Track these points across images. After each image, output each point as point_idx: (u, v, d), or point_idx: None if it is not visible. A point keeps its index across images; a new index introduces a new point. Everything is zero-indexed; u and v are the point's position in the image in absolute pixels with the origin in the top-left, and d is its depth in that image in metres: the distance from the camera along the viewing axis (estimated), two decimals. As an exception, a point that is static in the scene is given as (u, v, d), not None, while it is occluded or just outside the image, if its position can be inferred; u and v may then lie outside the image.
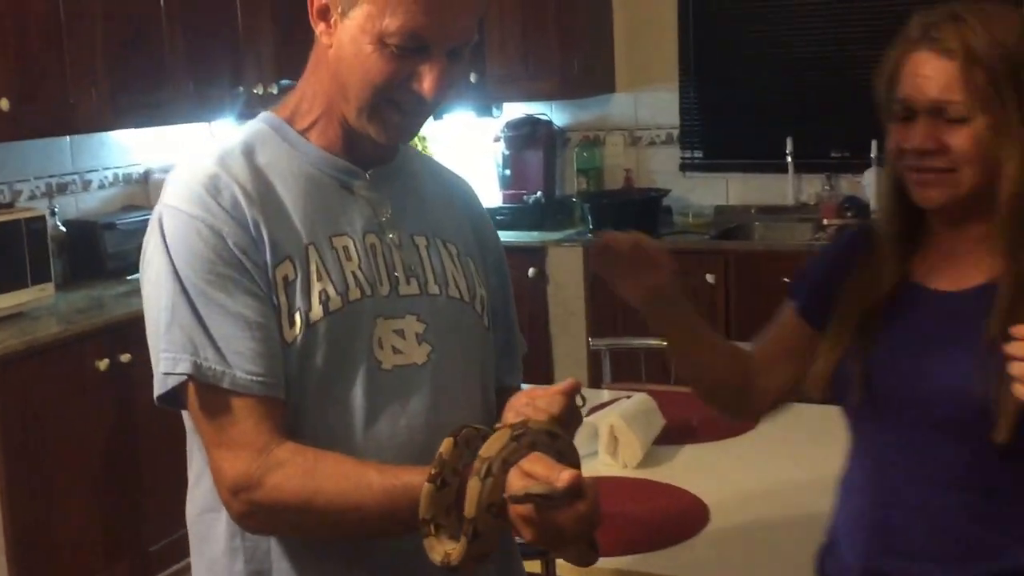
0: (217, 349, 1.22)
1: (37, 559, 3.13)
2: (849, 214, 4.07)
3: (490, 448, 1.12)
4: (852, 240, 1.59)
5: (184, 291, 1.23)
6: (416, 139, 5.27)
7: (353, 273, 1.28)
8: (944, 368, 1.40)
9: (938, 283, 1.46)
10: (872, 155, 4.03)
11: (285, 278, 1.25)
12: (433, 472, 1.14)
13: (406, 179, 1.39)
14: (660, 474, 2.16)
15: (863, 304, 1.48)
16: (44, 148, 3.81)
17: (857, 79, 3.84)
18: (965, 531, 1.40)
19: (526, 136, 4.64)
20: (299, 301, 1.25)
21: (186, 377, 1.22)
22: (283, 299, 1.25)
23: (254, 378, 1.22)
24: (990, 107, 1.36)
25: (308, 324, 1.25)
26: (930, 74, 1.38)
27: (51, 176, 3.88)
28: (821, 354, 1.51)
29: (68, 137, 3.87)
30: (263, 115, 1.36)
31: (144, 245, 1.29)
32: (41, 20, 3.38)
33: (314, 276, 1.26)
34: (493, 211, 4.50)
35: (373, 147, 1.33)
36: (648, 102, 4.62)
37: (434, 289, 1.34)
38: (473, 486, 1.11)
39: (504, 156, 4.71)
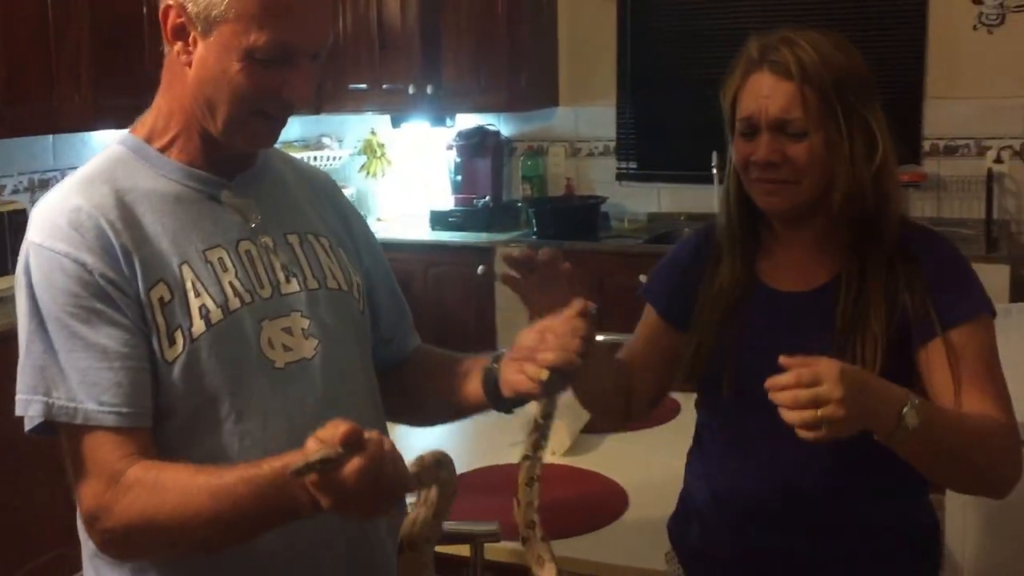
0: (71, 384, 1.13)
1: (3, 534, 3.02)
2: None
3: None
4: (698, 243, 1.59)
5: (42, 328, 1.14)
6: (375, 146, 5.26)
7: (231, 283, 1.21)
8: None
9: (785, 284, 1.49)
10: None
11: (161, 300, 1.17)
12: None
13: (271, 181, 1.32)
14: (586, 461, 2.15)
15: (720, 306, 1.49)
16: (27, 146, 3.70)
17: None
18: (827, 503, 1.44)
19: (476, 145, 4.61)
20: (179, 319, 1.17)
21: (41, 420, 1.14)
22: (161, 320, 1.17)
23: (108, 409, 1.13)
24: (823, 122, 1.39)
25: (192, 340, 1.17)
26: (770, 94, 1.39)
27: (33, 172, 3.77)
28: (687, 355, 1.52)
29: (51, 136, 3.76)
30: (121, 137, 1.27)
31: (14, 282, 1.20)
32: (30, 23, 3.28)
33: (191, 293, 1.18)
34: (446, 213, 4.49)
35: (233, 156, 1.25)
36: (588, 116, 4.61)
37: (313, 284, 1.28)
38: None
39: (456, 163, 4.68)
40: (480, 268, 4.24)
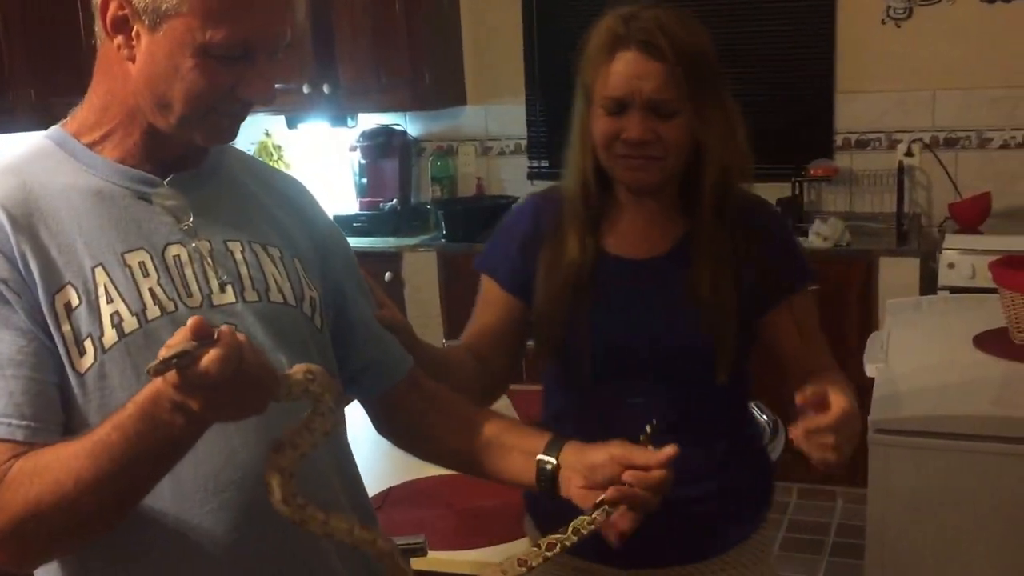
0: None
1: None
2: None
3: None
4: (534, 213, 1.63)
5: None
6: (271, 148, 5.15)
7: (151, 290, 1.14)
8: (664, 329, 1.51)
9: (629, 251, 1.56)
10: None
11: (67, 305, 1.11)
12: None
13: (219, 184, 1.26)
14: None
15: (569, 280, 1.53)
16: None
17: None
18: (691, 459, 1.45)
19: (382, 145, 4.57)
20: (88, 327, 1.11)
21: None
22: (68, 328, 1.10)
23: None
24: (694, 101, 1.45)
25: (103, 350, 1.11)
26: (643, 74, 1.44)
27: None
28: (540, 332, 1.57)
29: (-89, 144, 3.61)
30: (50, 129, 1.21)
31: None
32: None
33: (103, 299, 1.12)
34: (350, 218, 4.42)
35: (178, 155, 1.21)
36: (497, 114, 4.62)
37: (252, 296, 1.21)
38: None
39: (360, 165, 4.63)
40: (387, 275, 4.22)
